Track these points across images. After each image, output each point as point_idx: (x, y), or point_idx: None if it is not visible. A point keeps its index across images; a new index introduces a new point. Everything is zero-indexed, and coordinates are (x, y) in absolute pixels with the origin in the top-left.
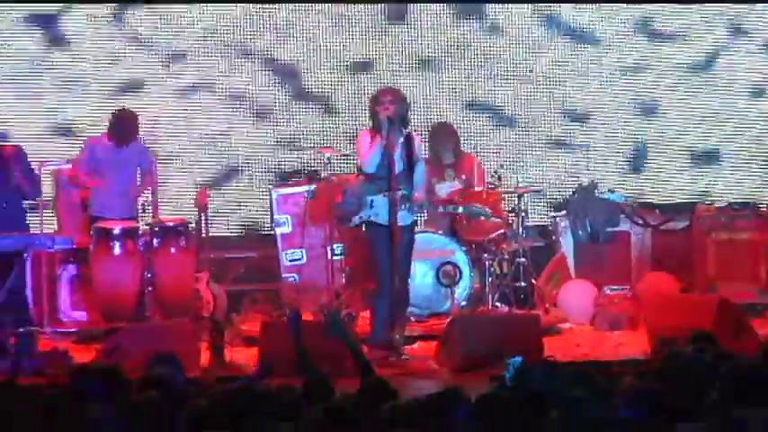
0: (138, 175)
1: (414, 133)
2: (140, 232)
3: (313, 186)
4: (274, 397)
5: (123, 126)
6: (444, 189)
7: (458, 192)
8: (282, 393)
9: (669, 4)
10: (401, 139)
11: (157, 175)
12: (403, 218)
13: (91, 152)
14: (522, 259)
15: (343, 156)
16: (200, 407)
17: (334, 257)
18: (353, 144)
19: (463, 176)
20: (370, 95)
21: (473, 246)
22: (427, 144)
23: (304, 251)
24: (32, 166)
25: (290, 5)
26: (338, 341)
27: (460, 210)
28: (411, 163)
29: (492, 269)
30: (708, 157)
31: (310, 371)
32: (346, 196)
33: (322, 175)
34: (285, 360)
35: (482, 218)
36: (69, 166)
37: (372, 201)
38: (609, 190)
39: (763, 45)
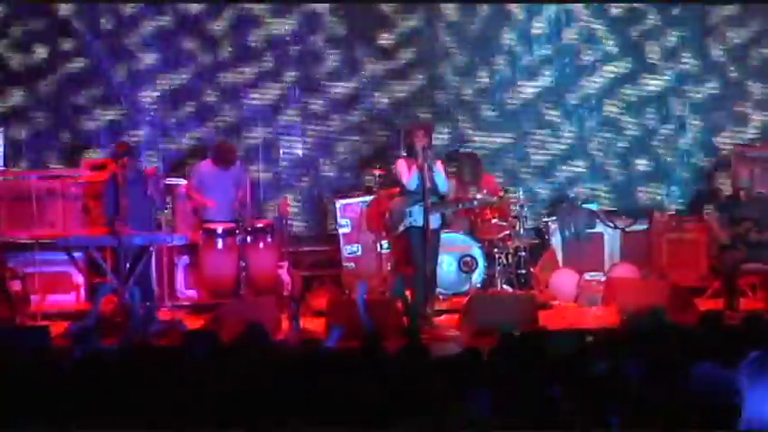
0: (235, 190)
1: (438, 159)
2: (237, 232)
3: (367, 198)
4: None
5: (226, 156)
6: (466, 206)
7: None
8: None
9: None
10: (429, 163)
11: (249, 189)
12: (433, 221)
13: (199, 177)
14: (523, 253)
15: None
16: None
17: (382, 251)
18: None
19: (485, 191)
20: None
21: (486, 242)
22: (454, 166)
23: (360, 246)
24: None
25: None
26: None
27: (475, 203)
28: (437, 180)
29: (500, 260)
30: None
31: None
32: (391, 212)
33: (373, 190)
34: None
35: (492, 205)
36: (185, 182)
37: (411, 211)
38: (587, 201)
39: None
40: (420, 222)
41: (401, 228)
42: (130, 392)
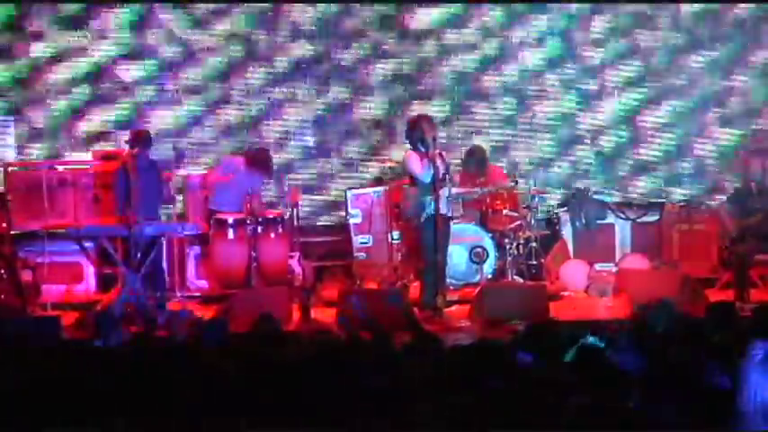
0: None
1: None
2: (248, 222)
3: (378, 189)
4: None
5: (263, 165)
6: (478, 193)
7: (489, 194)
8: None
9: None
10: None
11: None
12: (448, 211)
13: (227, 168)
14: (534, 244)
15: (397, 164)
16: (292, 351)
17: (393, 241)
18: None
19: (493, 182)
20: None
21: (497, 233)
22: (461, 160)
23: (371, 236)
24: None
25: None
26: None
27: (486, 190)
28: (447, 168)
29: (511, 251)
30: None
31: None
32: (410, 203)
33: (384, 181)
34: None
35: (504, 191)
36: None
37: (429, 200)
38: (598, 192)
39: None
40: (434, 213)
41: (424, 216)
42: (142, 384)
